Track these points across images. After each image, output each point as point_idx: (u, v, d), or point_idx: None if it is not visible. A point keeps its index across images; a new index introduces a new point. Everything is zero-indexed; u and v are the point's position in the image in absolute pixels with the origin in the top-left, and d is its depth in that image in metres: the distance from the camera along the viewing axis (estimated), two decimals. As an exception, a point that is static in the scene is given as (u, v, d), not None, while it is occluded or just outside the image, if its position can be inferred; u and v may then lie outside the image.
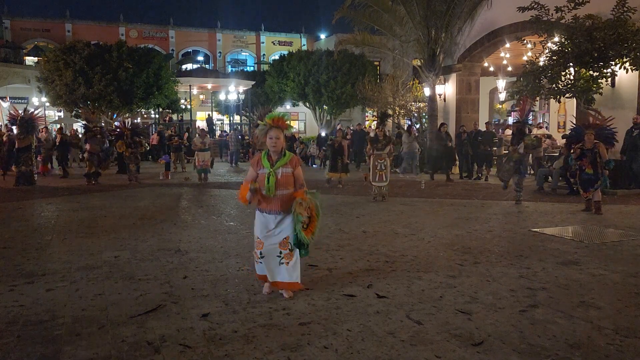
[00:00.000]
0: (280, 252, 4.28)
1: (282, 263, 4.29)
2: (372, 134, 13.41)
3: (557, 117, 20.39)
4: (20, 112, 14.28)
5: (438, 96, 18.21)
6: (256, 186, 4.18)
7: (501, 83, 19.67)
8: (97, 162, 14.01)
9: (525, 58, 14.38)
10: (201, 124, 34.94)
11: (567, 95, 12.21)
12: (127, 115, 28.29)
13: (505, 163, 10.37)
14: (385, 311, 4.09)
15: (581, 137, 9.09)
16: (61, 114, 32.25)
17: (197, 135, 15.74)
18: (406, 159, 16.64)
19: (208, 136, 15.54)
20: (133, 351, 3.38)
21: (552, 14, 12.15)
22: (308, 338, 3.57)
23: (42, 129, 18.44)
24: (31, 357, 3.31)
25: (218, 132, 32.42)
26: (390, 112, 19.30)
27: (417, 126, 20.27)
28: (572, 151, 9.34)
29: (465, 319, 3.92)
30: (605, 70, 11.58)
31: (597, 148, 8.70)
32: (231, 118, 33.00)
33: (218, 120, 37.61)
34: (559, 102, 14.23)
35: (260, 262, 4.37)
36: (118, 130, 14.83)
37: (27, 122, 13.26)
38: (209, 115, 34.30)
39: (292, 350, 3.38)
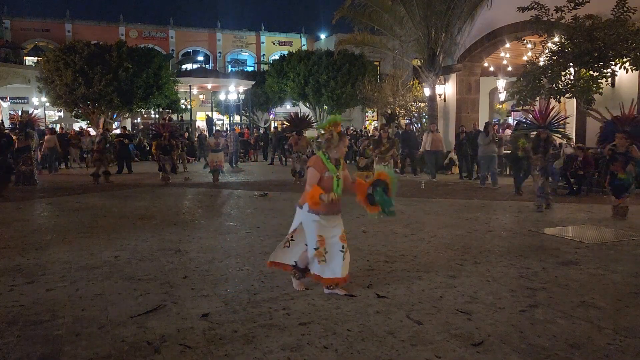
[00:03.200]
0: (343, 246, 4.48)
1: (343, 257, 4.45)
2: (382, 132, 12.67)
3: (557, 117, 20.37)
4: (18, 113, 14.30)
5: (438, 96, 18.20)
6: (334, 197, 4.36)
7: (501, 83, 19.63)
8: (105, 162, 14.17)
9: (525, 58, 14.36)
10: (201, 124, 34.84)
11: (567, 95, 12.18)
12: (127, 115, 28.24)
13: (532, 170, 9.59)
14: (385, 311, 4.09)
15: (613, 134, 8.47)
16: (61, 114, 32.21)
17: (212, 135, 15.52)
18: (483, 165, 13.22)
19: (222, 137, 15.46)
20: (133, 351, 3.38)
21: (552, 14, 12.14)
22: (308, 338, 3.57)
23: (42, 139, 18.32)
24: (31, 357, 3.31)
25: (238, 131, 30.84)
26: (394, 111, 19.20)
27: (418, 126, 20.24)
28: (602, 150, 8.72)
29: (465, 319, 3.92)
30: (605, 70, 11.56)
31: (630, 152, 8.11)
32: (231, 118, 32.96)
33: (218, 120, 37.57)
34: (559, 102, 14.20)
35: (323, 261, 4.41)
36: (154, 131, 14.71)
37: (26, 125, 13.27)
38: (207, 115, 34.29)
39: (292, 350, 3.38)
